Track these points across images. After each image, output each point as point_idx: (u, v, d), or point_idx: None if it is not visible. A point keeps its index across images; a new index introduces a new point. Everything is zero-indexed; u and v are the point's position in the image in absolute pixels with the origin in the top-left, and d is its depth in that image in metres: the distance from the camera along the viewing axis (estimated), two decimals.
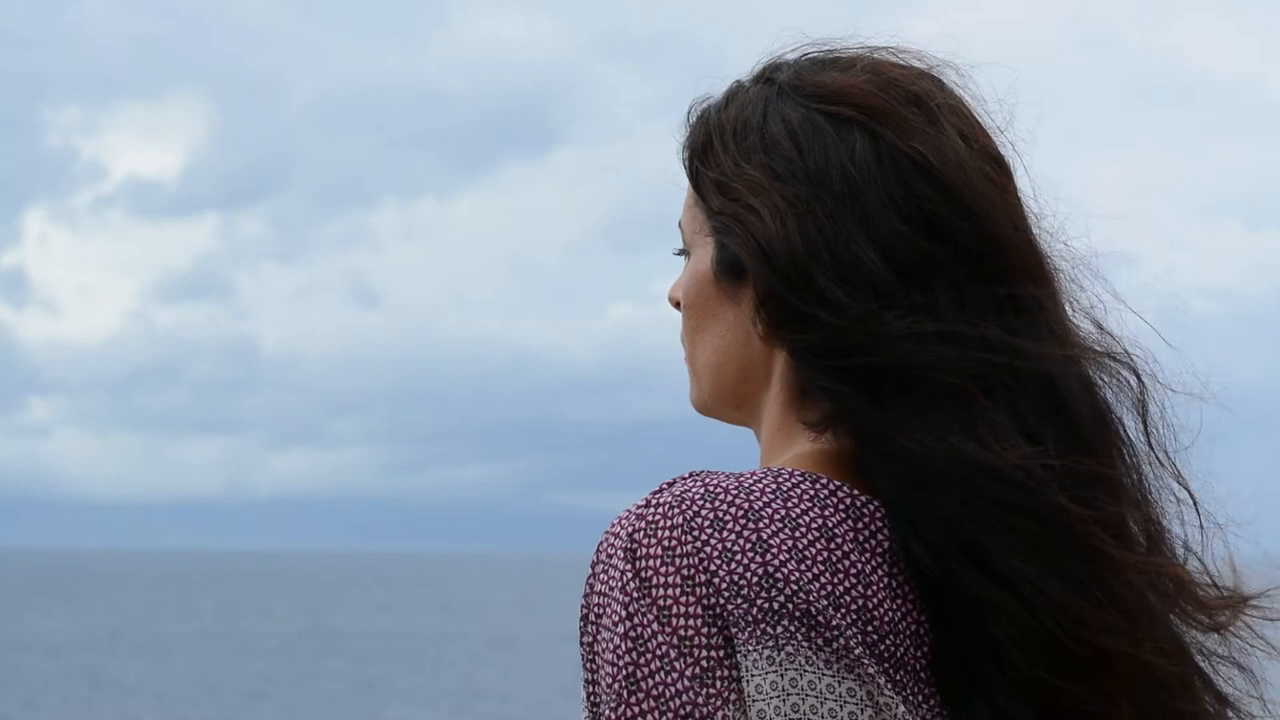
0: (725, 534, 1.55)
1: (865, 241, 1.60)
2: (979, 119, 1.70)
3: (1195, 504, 1.69)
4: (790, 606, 1.53)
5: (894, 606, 1.57)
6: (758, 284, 1.63)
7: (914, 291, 1.60)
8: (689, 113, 1.76)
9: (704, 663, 1.52)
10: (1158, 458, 1.68)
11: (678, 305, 1.76)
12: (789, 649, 1.52)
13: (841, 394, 1.60)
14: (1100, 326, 1.69)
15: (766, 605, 1.53)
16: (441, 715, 39.49)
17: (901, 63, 1.71)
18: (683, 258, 1.77)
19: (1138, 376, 1.68)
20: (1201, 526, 1.68)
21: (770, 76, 1.72)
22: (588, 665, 1.57)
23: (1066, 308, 1.68)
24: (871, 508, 1.59)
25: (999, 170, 1.68)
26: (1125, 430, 1.67)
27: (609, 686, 1.53)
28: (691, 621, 1.53)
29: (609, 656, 1.54)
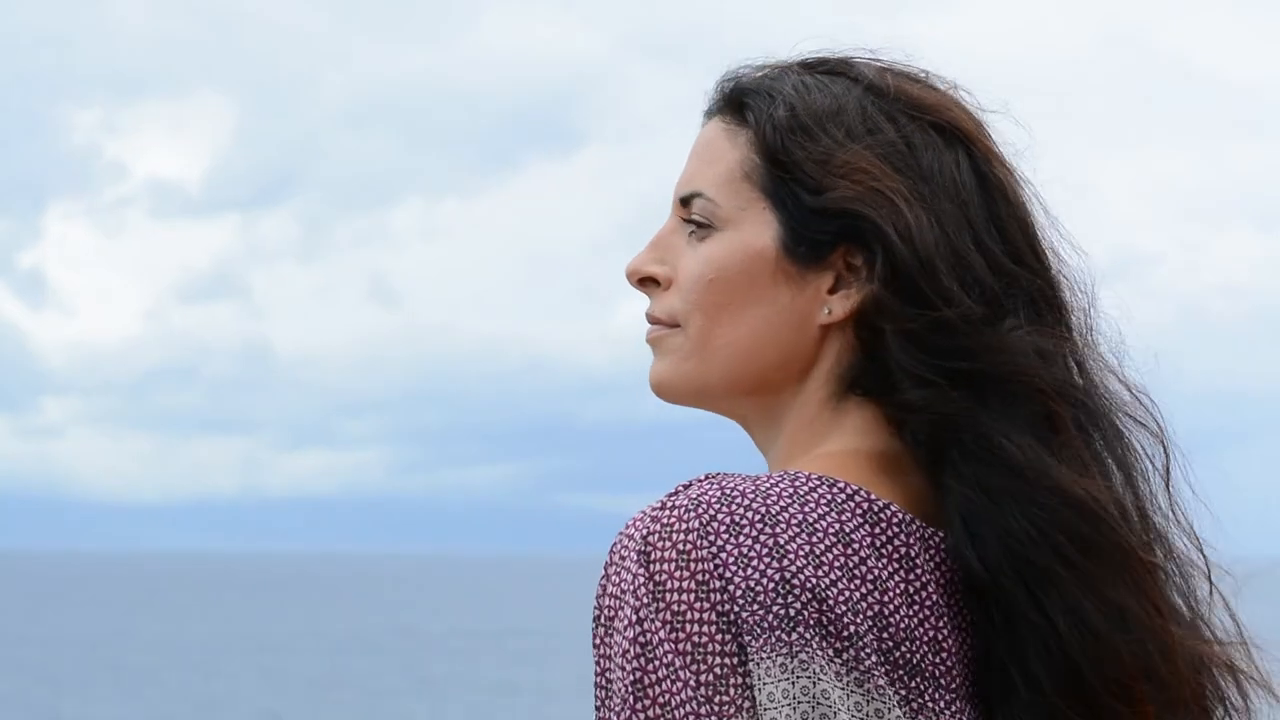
0: (741, 538, 1.53)
1: (973, 249, 1.62)
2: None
3: (1207, 567, 1.69)
4: (806, 613, 1.52)
5: (910, 613, 1.56)
6: (889, 262, 1.62)
7: (1011, 305, 1.63)
8: (734, 89, 1.71)
9: (716, 670, 1.51)
10: (1176, 518, 1.69)
11: (656, 281, 1.71)
12: (802, 656, 1.51)
13: (939, 387, 1.60)
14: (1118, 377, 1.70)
15: (782, 612, 1.52)
16: (449, 715, 39.47)
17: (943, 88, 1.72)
18: (690, 225, 1.70)
19: (1163, 443, 1.69)
20: (1211, 590, 1.69)
21: (842, 72, 1.70)
22: (599, 666, 1.56)
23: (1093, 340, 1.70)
24: (889, 513, 1.58)
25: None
26: (1148, 479, 1.69)
27: (618, 691, 1.53)
28: (705, 628, 1.51)
29: (619, 660, 1.53)
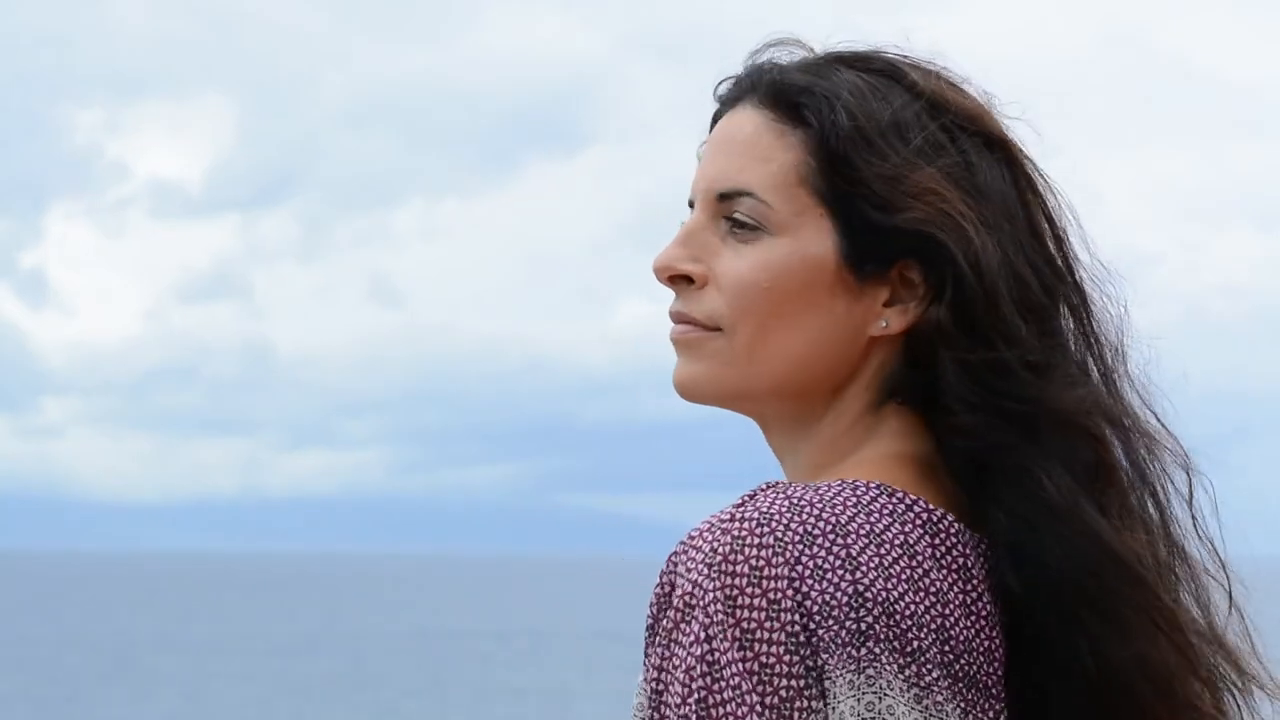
0: (816, 550, 1.51)
1: (1027, 268, 1.61)
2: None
3: (1228, 583, 1.69)
4: (877, 628, 1.50)
5: (969, 624, 1.56)
6: (960, 289, 1.60)
7: (1059, 321, 1.63)
8: (782, 85, 1.65)
9: (783, 692, 1.48)
10: (1198, 533, 1.68)
11: (688, 279, 1.65)
12: (870, 671, 1.49)
13: (990, 416, 1.59)
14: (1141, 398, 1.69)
15: (854, 626, 1.49)
16: (450, 715, 39.46)
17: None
18: (727, 223, 1.64)
19: (1186, 468, 1.68)
20: (1231, 609, 1.69)
21: (890, 75, 1.66)
22: (650, 674, 1.53)
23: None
24: (946, 523, 1.58)
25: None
26: (1167, 503, 1.68)
27: (678, 706, 1.50)
28: (774, 649, 1.49)
29: (681, 675, 1.50)
